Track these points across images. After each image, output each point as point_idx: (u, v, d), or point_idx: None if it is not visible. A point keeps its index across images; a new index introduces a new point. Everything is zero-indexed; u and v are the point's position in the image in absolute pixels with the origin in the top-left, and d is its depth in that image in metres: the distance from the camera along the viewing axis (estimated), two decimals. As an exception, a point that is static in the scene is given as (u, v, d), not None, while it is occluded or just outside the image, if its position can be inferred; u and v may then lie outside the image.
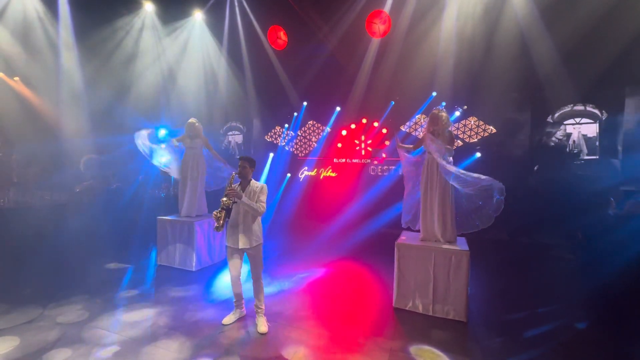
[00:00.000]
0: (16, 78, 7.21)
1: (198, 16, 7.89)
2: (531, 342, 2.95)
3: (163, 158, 5.13)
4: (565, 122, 6.40)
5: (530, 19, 5.82)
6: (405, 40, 6.73)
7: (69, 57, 7.11)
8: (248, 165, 3.17)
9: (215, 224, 3.02)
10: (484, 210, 3.63)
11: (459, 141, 6.79)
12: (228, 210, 3.07)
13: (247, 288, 3.43)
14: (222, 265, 5.05)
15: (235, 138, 9.77)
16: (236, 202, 3.09)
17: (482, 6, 6.09)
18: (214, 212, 3.02)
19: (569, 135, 6.40)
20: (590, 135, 6.28)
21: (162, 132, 7.95)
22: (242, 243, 3.10)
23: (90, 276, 4.52)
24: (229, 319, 3.28)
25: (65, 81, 7.23)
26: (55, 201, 6.34)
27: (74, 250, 5.35)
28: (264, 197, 3.12)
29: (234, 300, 3.35)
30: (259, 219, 3.21)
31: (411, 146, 4.07)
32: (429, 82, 6.82)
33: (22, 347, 2.83)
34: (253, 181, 3.19)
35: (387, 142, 7.64)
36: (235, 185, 3.11)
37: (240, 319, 3.33)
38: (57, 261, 4.95)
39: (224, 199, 3.00)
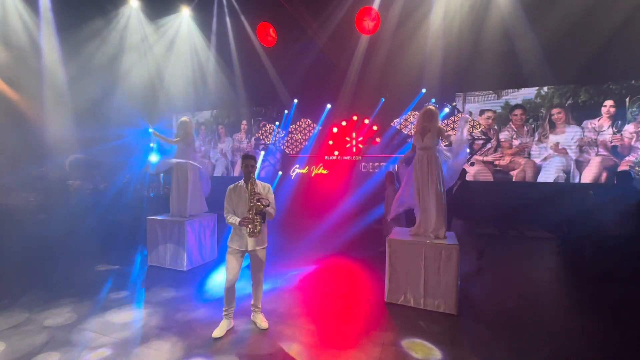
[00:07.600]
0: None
1: (185, 12, 7.75)
2: (520, 333, 3.03)
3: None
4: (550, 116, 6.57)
5: (514, 17, 5.93)
6: (394, 37, 6.78)
7: (52, 54, 6.91)
8: (255, 163, 3.04)
9: (252, 230, 2.86)
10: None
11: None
12: (263, 215, 2.94)
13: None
14: (213, 264, 5.01)
15: (226, 136, 9.68)
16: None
17: (469, 4, 6.18)
18: (248, 218, 2.86)
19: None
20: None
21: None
22: (251, 244, 3.03)
23: (78, 278, 4.43)
24: (220, 331, 3.01)
25: (48, 79, 7.02)
26: (41, 202, 6.17)
27: (61, 252, 5.23)
28: (272, 199, 3.06)
29: (225, 308, 3.10)
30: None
31: (408, 156, 3.97)
32: (418, 78, 6.89)
33: (8, 352, 2.76)
34: (258, 181, 3.06)
35: (377, 139, 7.68)
36: (258, 187, 2.99)
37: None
38: (44, 263, 4.84)
39: (258, 203, 2.87)
